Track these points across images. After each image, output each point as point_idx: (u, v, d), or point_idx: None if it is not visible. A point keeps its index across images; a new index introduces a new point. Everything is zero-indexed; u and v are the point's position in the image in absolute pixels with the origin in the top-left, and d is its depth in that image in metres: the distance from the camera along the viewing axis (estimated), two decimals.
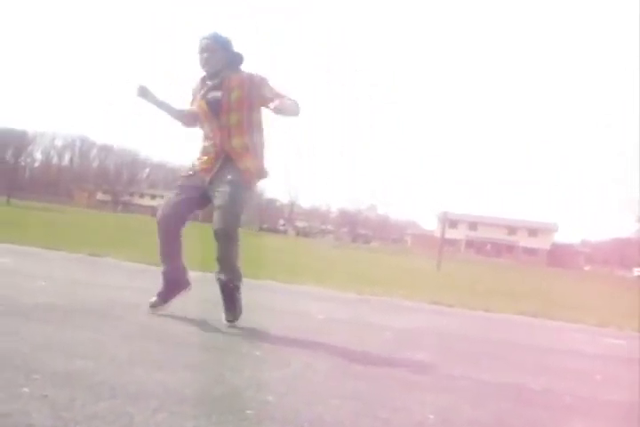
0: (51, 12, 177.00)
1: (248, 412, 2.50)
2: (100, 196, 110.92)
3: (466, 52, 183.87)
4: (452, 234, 74.34)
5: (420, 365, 4.01)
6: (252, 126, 4.59)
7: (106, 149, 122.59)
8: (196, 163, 4.64)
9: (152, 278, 7.49)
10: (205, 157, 4.59)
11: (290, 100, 4.44)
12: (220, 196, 4.39)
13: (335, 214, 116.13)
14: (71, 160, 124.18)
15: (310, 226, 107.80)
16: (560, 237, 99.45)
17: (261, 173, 4.64)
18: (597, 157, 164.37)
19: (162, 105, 4.78)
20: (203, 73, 4.69)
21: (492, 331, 6.34)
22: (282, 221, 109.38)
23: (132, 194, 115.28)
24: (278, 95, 4.46)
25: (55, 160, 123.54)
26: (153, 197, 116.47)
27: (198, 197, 4.57)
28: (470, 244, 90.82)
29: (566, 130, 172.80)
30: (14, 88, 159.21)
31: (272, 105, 4.34)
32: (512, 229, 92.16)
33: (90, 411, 2.28)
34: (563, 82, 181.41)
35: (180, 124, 4.88)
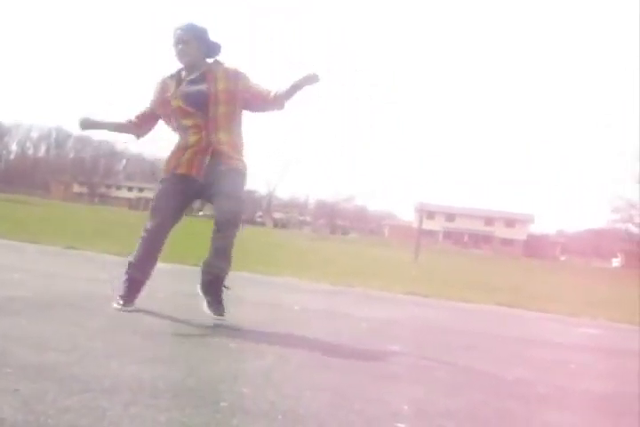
0: (40, 7, 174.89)
1: (222, 404, 2.50)
2: (76, 188, 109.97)
3: (465, 52, 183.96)
4: (429, 225, 74.65)
5: (395, 356, 4.02)
6: (237, 120, 4.50)
7: (82, 140, 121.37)
8: (178, 160, 4.43)
9: None
10: (189, 155, 4.38)
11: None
12: (221, 183, 4.30)
13: (313, 206, 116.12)
14: (47, 151, 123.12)
15: (288, 217, 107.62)
16: (536, 228, 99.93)
17: (245, 167, 4.52)
18: (580, 149, 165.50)
19: (108, 126, 4.77)
20: (176, 67, 4.55)
21: (468, 322, 6.38)
22: (259, 213, 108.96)
23: (108, 186, 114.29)
24: (267, 88, 4.45)
25: (31, 151, 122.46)
26: (130, 189, 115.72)
27: (188, 196, 4.50)
28: (448, 235, 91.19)
29: (549, 121, 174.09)
30: None
31: (272, 93, 4.38)
32: (489, 220, 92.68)
33: (62, 405, 2.26)
34: (561, 81, 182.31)
35: (132, 136, 4.83)
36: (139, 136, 4.83)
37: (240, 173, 4.43)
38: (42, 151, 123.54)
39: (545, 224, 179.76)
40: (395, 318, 5.89)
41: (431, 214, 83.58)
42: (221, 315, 4.27)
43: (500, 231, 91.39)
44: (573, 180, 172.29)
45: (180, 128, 4.48)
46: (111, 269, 7.40)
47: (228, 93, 4.38)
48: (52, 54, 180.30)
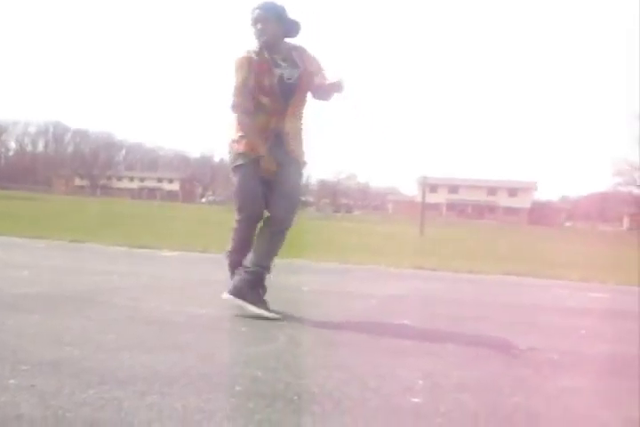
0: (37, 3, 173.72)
1: (237, 388, 2.51)
2: (77, 181, 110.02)
3: (465, 49, 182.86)
4: (432, 198, 74.48)
5: (406, 330, 4.04)
6: (302, 109, 4.36)
7: (80, 133, 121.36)
8: (249, 139, 4.22)
9: (135, 261, 7.49)
10: (258, 137, 4.20)
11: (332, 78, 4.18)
12: (282, 182, 4.22)
13: (315, 186, 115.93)
14: (46, 146, 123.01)
15: None
16: (540, 196, 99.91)
17: (303, 158, 4.38)
18: (579, 113, 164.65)
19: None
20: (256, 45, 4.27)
21: (477, 293, 6.39)
22: None
23: (109, 177, 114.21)
24: (323, 74, 4.23)
25: (30, 148, 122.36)
26: (131, 179, 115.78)
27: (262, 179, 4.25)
28: (451, 207, 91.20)
29: (547, 85, 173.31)
30: None
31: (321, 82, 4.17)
32: (492, 190, 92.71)
33: (78, 398, 2.28)
34: (560, 47, 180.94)
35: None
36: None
37: (299, 171, 4.35)
38: (40, 147, 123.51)
39: (548, 191, 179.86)
40: (404, 293, 5.91)
41: (434, 187, 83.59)
42: (274, 311, 4.12)
43: (504, 200, 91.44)
44: (574, 144, 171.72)
45: (255, 105, 4.26)
46: (117, 261, 7.42)
47: (309, 79, 4.25)
48: (46, 50, 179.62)
